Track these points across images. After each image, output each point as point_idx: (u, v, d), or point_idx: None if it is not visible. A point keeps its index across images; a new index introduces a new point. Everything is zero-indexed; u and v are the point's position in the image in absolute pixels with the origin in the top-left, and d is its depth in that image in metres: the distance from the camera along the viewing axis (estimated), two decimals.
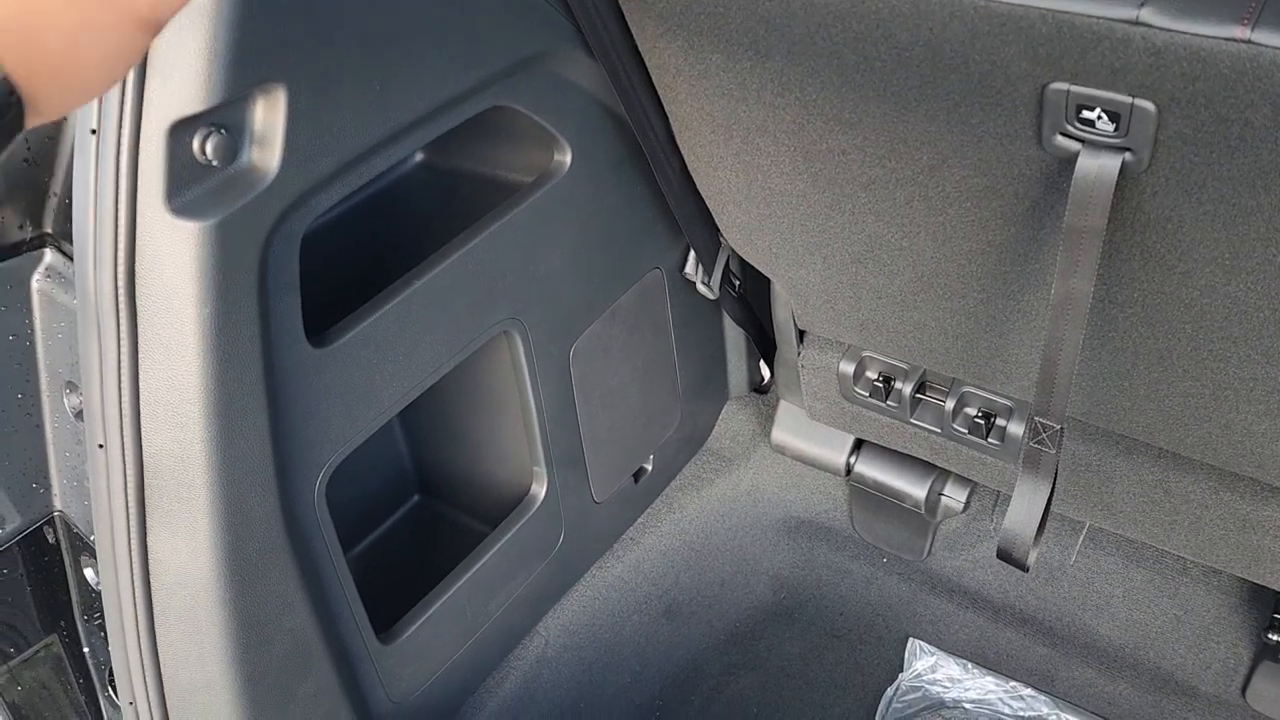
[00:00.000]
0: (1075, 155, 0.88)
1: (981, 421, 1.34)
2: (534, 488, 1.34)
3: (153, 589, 0.92)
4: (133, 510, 0.88)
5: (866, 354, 1.41)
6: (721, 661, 1.69)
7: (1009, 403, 1.32)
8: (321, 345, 0.97)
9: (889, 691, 1.64)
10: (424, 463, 1.49)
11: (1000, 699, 1.60)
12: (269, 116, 0.84)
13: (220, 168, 0.83)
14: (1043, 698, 1.57)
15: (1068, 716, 1.56)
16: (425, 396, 1.40)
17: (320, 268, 1.02)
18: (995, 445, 1.35)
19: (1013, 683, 1.59)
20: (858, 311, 1.29)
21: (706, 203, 1.29)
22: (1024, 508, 1.09)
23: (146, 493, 0.88)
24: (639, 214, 1.35)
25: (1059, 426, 1.03)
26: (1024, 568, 1.12)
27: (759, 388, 1.74)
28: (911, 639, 1.66)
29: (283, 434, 0.95)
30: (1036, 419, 1.03)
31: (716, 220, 1.31)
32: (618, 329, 1.37)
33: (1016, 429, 1.32)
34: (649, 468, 1.56)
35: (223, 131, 0.82)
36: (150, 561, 0.90)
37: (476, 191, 1.23)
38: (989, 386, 1.30)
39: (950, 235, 1.06)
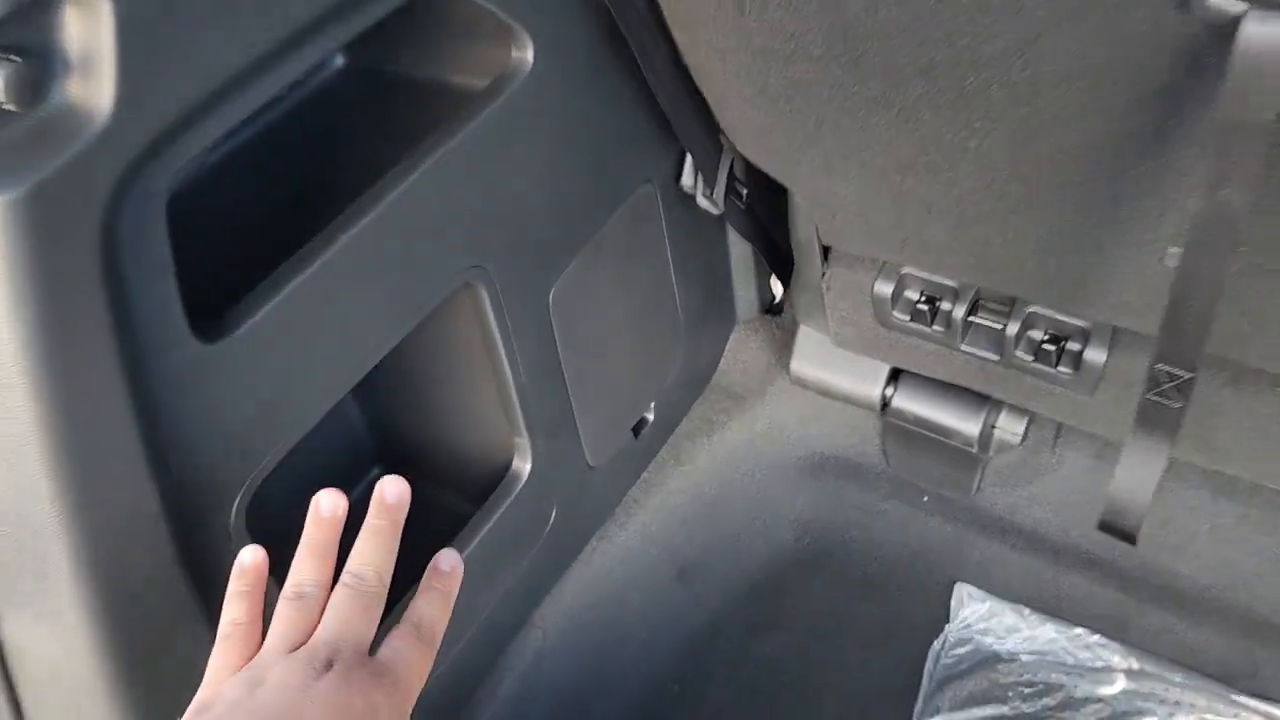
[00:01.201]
0: (1237, 20, 0.62)
1: (1051, 348, 1.11)
2: (516, 462, 1.11)
3: (18, 694, 0.69)
4: None
5: (908, 270, 1.17)
6: (742, 622, 1.49)
7: (1085, 324, 1.09)
8: (215, 338, 0.72)
9: (935, 645, 1.45)
10: (383, 430, 1.25)
11: (1065, 648, 1.41)
12: (89, 30, 0.57)
13: (23, 112, 0.56)
14: (1114, 645, 1.38)
15: (1144, 665, 1.37)
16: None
17: (209, 233, 0.76)
18: (1067, 374, 1.12)
19: (1078, 630, 1.40)
20: (901, 228, 1.04)
21: (706, 98, 1.02)
22: (1137, 472, 0.86)
23: None
24: (622, 117, 1.08)
25: (1189, 374, 0.79)
26: (1133, 540, 0.90)
27: (771, 308, 1.50)
28: (958, 584, 1.46)
29: (170, 462, 0.70)
30: (1160, 367, 0.79)
31: (718, 118, 1.05)
32: (605, 261, 1.11)
33: (1097, 355, 1.08)
34: (650, 417, 1.33)
35: (18, 58, 0.55)
36: (7, 658, 0.67)
37: (416, 104, 0.96)
38: (1068, 310, 1.06)
39: (1038, 132, 0.81)
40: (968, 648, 1.47)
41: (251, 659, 0.61)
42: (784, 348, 1.47)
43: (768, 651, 1.48)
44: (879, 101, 0.86)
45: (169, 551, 0.71)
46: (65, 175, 0.57)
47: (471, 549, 1.07)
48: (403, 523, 0.66)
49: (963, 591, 1.47)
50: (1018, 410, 1.31)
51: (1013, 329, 1.12)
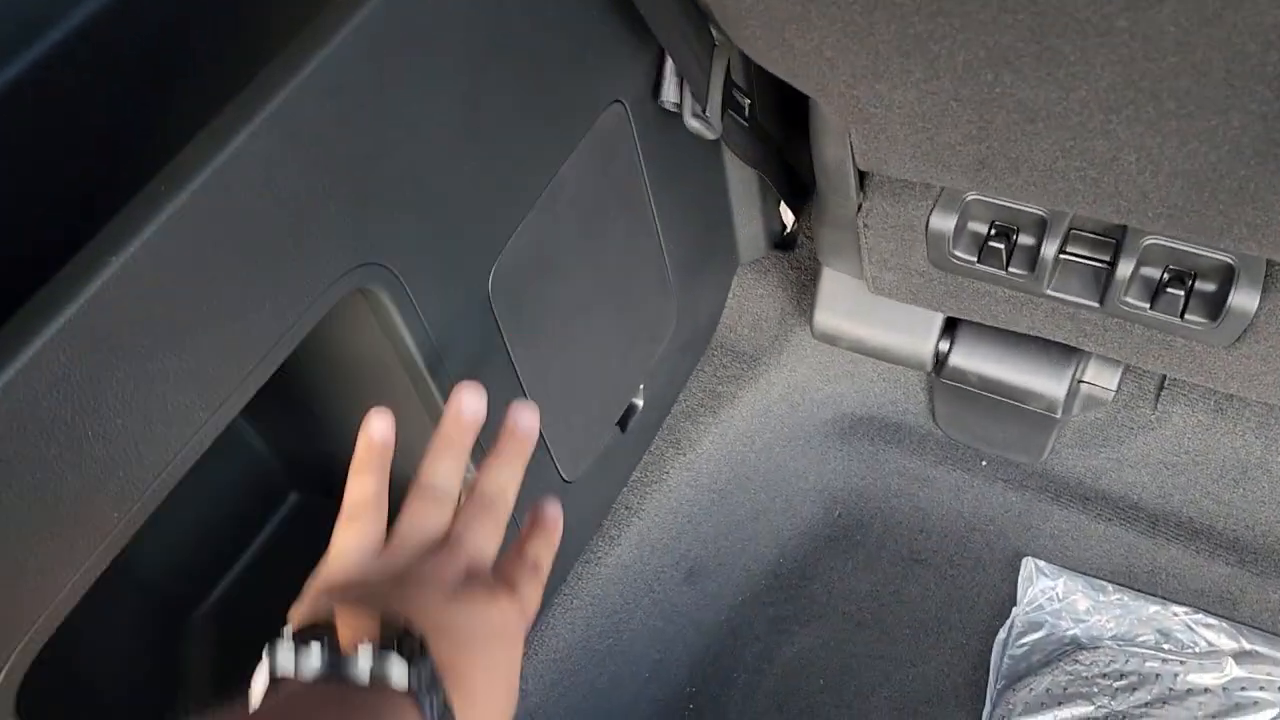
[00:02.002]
0: None
1: (1177, 291, 0.81)
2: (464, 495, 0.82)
3: None
4: None
5: (974, 197, 0.86)
6: (766, 617, 1.24)
7: (1230, 260, 0.79)
8: None
9: (1001, 633, 1.20)
10: (294, 455, 0.96)
11: (1160, 630, 1.16)
12: None
13: None
14: (1223, 625, 1.13)
15: (1258, 646, 1.12)
16: (275, 381, 0.84)
17: None
18: (1199, 323, 0.83)
19: (1176, 607, 1.14)
20: (980, 143, 0.73)
21: None
22: None
23: None
24: (574, 15, 0.75)
25: None
26: None
27: (781, 241, 1.19)
28: (1026, 558, 1.20)
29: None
30: None
31: (713, 6, 0.72)
32: (561, 219, 0.80)
33: (1247, 300, 0.79)
34: (639, 403, 1.03)
35: None
36: None
37: (250, 14, 0.62)
38: (1214, 244, 0.76)
39: (1229, 6, 0.49)
40: (1040, 633, 1.21)
41: (378, 539, 0.59)
42: (801, 291, 1.17)
43: (798, 649, 1.22)
44: None
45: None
46: None
47: None
48: (530, 452, 0.63)
49: (1032, 566, 1.21)
50: (1109, 361, 1.02)
51: (1125, 269, 0.82)
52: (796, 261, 1.17)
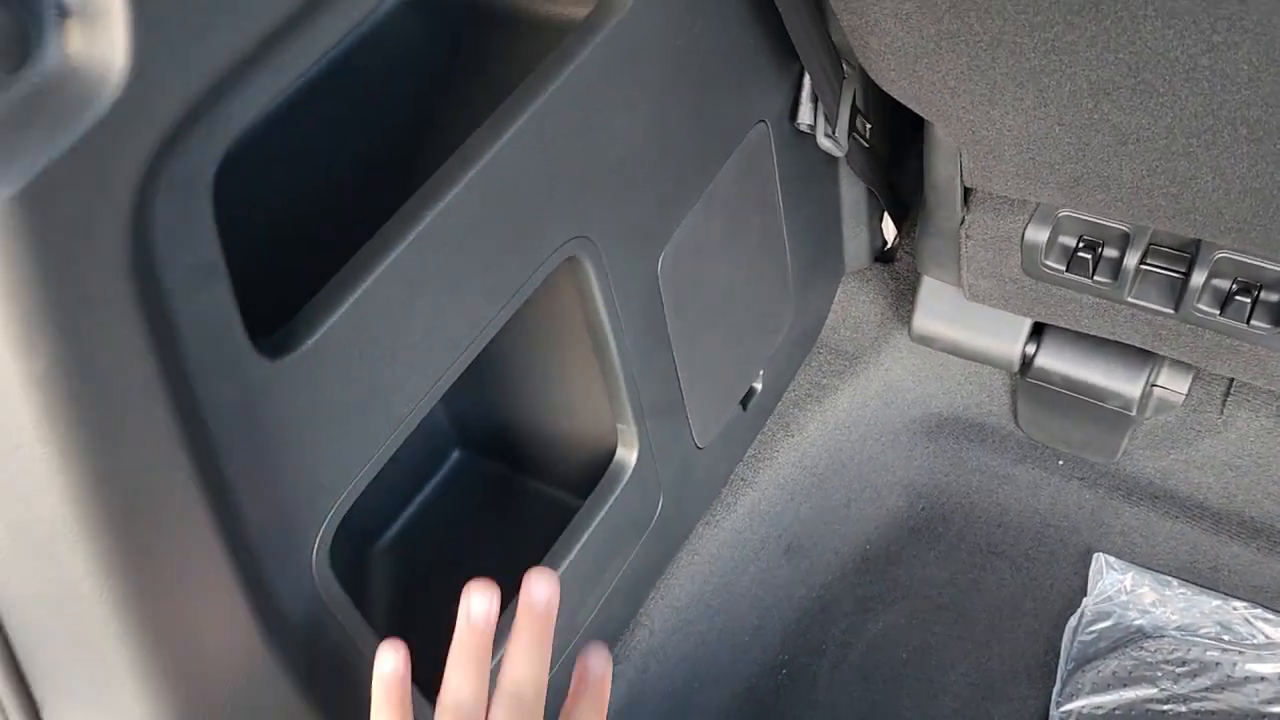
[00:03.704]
0: None
1: (1245, 299, 0.94)
2: (620, 451, 0.97)
3: None
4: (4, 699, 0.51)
5: (1066, 213, 0.99)
6: (853, 597, 1.36)
7: None
8: (282, 352, 0.57)
9: (1072, 620, 1.31)
10: (464, 412, 1.11)
11: (1221, 623, 1.26)
12: None
13: (9, 75, 0.41)
14: None
15: None
16: None
17: (254, 221, 0.60)
18: (1263, 329, 0.95)
19: (1237, 603, 1.25)
20: (1077, 163, 0.87)
21: (843, 20, 0.85)
22: None
23: (23, 665, 0.51)
24: (735, 44, 0.90)
25: None
26: None
27: (882, 255, 1.33)
28: (1097, 554, 1.31)
29: (239, 507, 0.56)
30: None
31: (854, 44, 0.87)
32: (715, 217, 0.95)
33: None
34: (758, 386, 1.17)
35: None
36: None
37: (502, 43, 0.79)
38: (1277, 255, 0.89)
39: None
40: (1108, 622, 1.32)
41: None
42: (898, 299, 1.31)
43: (882, 627, 1.34)
44: (1085, 11, 0.69)
45: (246, 617, 0.57)
46: (77, 158, 0.42)
47: (577, 550, 0.93)
48: (552, 627, 0.60)
49: (1102, 561, 1.32)
50: (1181, 366, 1.14)
51: (1198, 279, 0.95)
52: (895, 273, 1.31)
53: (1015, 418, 1.32)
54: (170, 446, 0.50)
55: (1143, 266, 0.99)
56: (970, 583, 1.35)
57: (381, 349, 0.63)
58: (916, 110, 0.92)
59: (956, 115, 0.88)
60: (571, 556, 0.93)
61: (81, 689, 0.53)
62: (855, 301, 1.30)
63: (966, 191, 1.03)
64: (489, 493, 1.13)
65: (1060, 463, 1.31)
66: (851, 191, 1.21)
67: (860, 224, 1.25)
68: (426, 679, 0.84)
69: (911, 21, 0.78)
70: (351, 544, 1.07)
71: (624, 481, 0.96)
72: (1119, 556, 1.31)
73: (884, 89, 0.91)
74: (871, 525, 1.38)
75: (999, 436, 1.34)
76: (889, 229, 1.32)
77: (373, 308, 0.61)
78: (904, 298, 1.29)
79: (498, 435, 1.10)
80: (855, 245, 1.27)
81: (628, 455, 0.96)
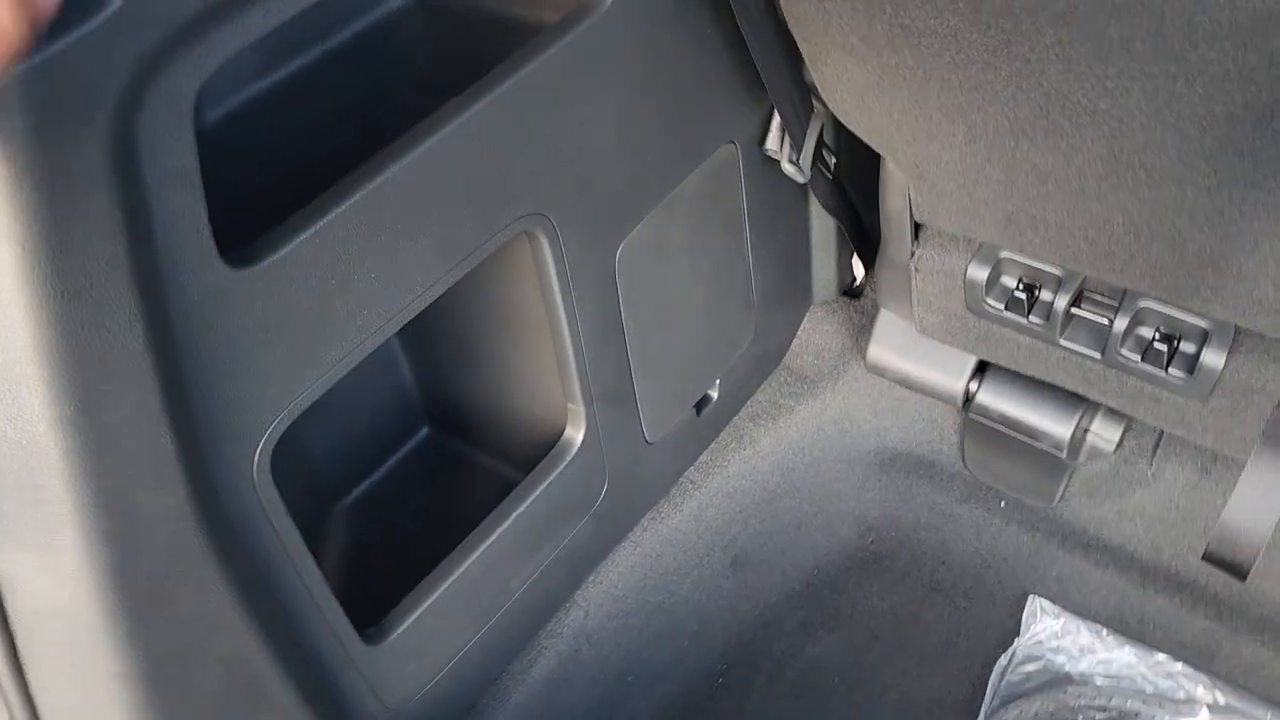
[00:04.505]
0: None
1: (1163, 347, 1.00)
2: (569, 430, 1.04)
3: (10, 623, 0.63)
4: None
5: (1006, 255, 1.07)
6: (796, 619, 1.41)
7: (1205, 324, 0.98)
8: (245, 264, 0.66)
9: (1002, 660, 1.35)
10: (433, 391, 1.19)
11: (1144, 675, 1.30)
12: None
13: None
14: (1200, 676, 1.27)
15: (1231, 700, 1.26)
16: (429, 310, 1.08)
17: (256, 160, 0.69)
18: (1179, 378, 1.01)
19: (1160, 656, 1.29)
20: (1007, 201, 0.94)
21: (801, 48, 0.93)
22: (1258, 496, 0.76)
23: None
24: (707, 68, 0.99)
25: None
26: (1242, 576, 0.80)
27: (850, 291, 1.41)
28: (1032, 596, 1.36)
29: (189, 395, 0.64)
30: None
31: (813, 74, 0.96)
32: (678, 223, 1.03)
33: (1215, 359, 0.98)
34: (714, 395, 1.24)
35: None
36: (1, 591, 0.61)
37: (485, 38, 0.88)
38: (1188, 305, 0.96)
39: (1182, 95, 0.71)
40: (1037, 665, 1.36)
41: None
42: (861, 333, 1.38)
43: (820, 651, 1.39)
44: (1000, 53, 0.77)
45: (180, 490, 0.65)
46: (76, 55, 0.51)
47: (514, 518, 1.00)
48: None
49: (1036, 605, 1.37)
50: (1114, 415, 1.20)
51: (1121, 324, 1.02)
52: (860, 308, 1.39)
53: (963, 458, 1.37)
54: (133, 322, 0.58)
55: (1074, 311, 1.06)
56: (910, 616, 1.40)
57: (337, 278, 0.71)
58: (869, 142, 1.00)
59: (902, 148, 0.96)
60: (509, 522, 1.00)
61: (31, 533, 0.60)
62: (820, 330, 1.37)
63: (917, 227, 1.11)
64: (448, 468, 1.20)
65: (1002, 504, 1.37)
66: (821, 225, 1.29)
67: (829, 258, 1.33)
68: (368, 625, 0.91)
69: (858, 53, 0.87)
70: (315, 499, 1.15)
71: (568, 458, 1.03)
72: (1053, 601, 1.35)
73: (842, 120, 0.99)
74: (821, 552, 1.43)
75: (947, 475, 1.40)
76: (858, 267, 1.39)
77: (332, 239, 0.69)
78: (866, 331, 1.36)
79: (461, 415, 1.18)
80: (823, 277, 1.35)
81: (574, 434, 1.04)
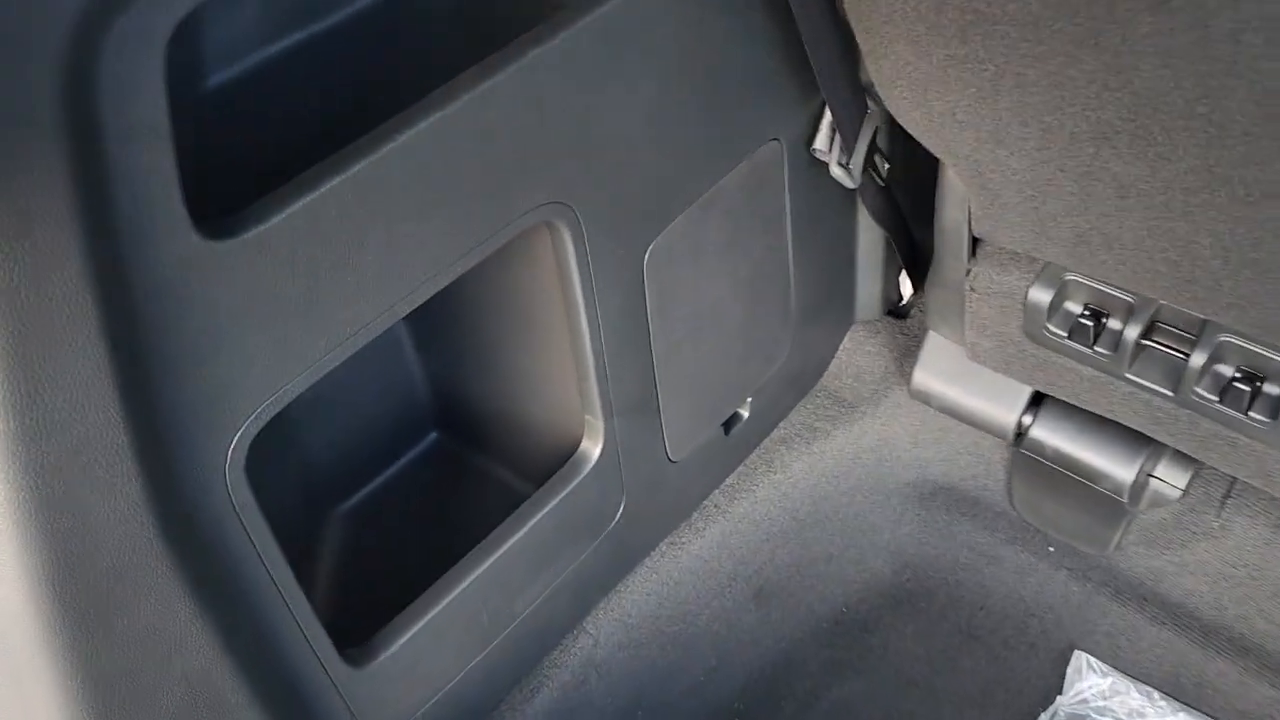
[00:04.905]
0: None
1: (1244, 387, 0.91)
2: (585, 443, 0.96)
3: None
4: None
5: (1072, 277, 0.97)
6: (822, 657, 1.32)
7: None
8: (225, 235, 0.58)
9: (1042, 717, 1.25)
10: (444, 393, 1.12)
11: None
12: None
13: None
14: None
15: None
16: (442, 306, 1.01)
17: (255, 130, 0.62)
18: (1262, 422, 0.91)
19: None
20: (1080, 215, 0.85)
21: (859, 39, 0.85)
22: None
23: None
24: (754, 57, 0.91)
25: None
26: None
27: (896, 310, 1.32)
28: (1078, 651, 1.26)
29: (149, 382, 0.57)
30: None
31: (870, 69, 0.88)
32: (714, 225, 0.95)
33: None
34: (744, 414, 1.16)
35: None
36: None
37: (512, 7, 0.81)
38: (1277, 341, 0.86)
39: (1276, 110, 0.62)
40: None
41: None
42: (906, 356, 1.29)
43: (847, 693, 1.30)
44: (1086, 44, 0.68)
45: (136, 487, 0.57)
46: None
47: (521, 534, 0.92)
48: None
49: (1082, 660, 1.26)
50: (1182, 459, 1.10)
51: (1198, 360, 0.92)
52: (906, 329, 1.30)
53: (1010, 496, 1.28)
54: (78, 284, 0.50)
55: (1144, 342, 0.97)
56: (945, 663, 1.30)
57: (331, 259, 0.64)
58: (927, 146, 0.91)
59: (964, 154, 0.88)
60: (515, 538, 0.92)
61: None
62: (862, 350, 1.29)
63: (975, 242, 1.02)
64: (456, 476, 1.13)
65: (1050, 550, 1.27)
66: (868, 238, 1.20)
67: (875, 273, 1.24)
68: (359, 634, 0.84)
69: (922, 44, 0.78)
70: (310, 502, 1.08)
71: (583, 473, 0.95)
72: (1101, 658, 1.25)
73: (899, 120, 0.91)
74: (851, 588, 1.34)
75: (992, 514, 1.30)
76: (906, 285, 1.31)
77: (327, 214, 0.62)
78: (911, 354, 1.27)
79: (473, 420, 1.11)
80: (868, 294, 1.26)
81: (591, 448, 0.96)
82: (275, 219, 0.59)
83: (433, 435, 1.16)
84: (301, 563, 1.03)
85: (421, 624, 0.86)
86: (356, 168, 0.62)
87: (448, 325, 0.99)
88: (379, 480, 1.14)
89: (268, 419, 0.66)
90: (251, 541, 0.67)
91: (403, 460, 1.15)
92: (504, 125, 0.70)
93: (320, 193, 0.61)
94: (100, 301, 0.51)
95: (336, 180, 0.62)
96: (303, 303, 0.64)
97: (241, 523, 0.66)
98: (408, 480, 1.15)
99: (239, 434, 0.64)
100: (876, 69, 0.87)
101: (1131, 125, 0.72)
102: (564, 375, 0.94)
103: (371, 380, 1.09)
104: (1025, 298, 1.00)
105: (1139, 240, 0.83)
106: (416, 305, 0.71)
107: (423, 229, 0.69)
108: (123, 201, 0.52)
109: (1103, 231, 0.85)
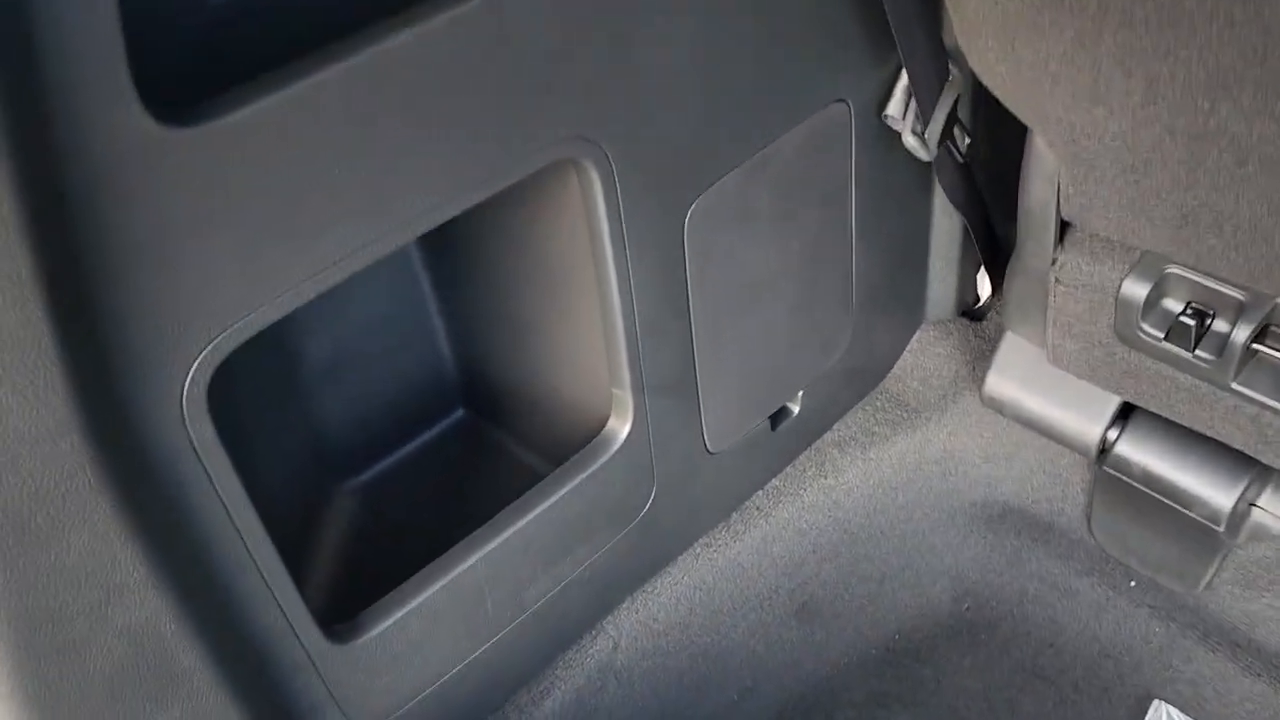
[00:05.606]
0: None
1: None
2: (613, 421, 0.87)
3: None
4: None
5: (1174, 270, 0.86)
6: (868, 687, 1.20)
7: None
8: (183, 121, 0.51)
9: None
10: (472, 368, 1.04)
11: None
12: None
13: None
14: None
15: None
16: (468, 265, 0.93)
17: (263, 42, 0.55)
18: None
19: None
20: (1187, 191, 0.74)
21: None
22: None
23: None
24: (823, 2, 0.82)
25: None
26: None
27: (971, 311, 1.20)
28: (1158, 701, 1.13)
29: (81, 281, 0.50)
30: None
31: (953, 15, 0.78)
32: (767, 189, 0.86)
33: None
34: (795, 409, 1.06)
35: None
36: None
37: None
38: None
39: None
40: None
41: None
42: (979, 360, 1.18)
43: None
44: None
45: (61, 400, 0.50)
46: None
47: (533, 516, 0.83)
48: None
49: (1162, 711, 1.13)
50: None
51: None
52: (981, 332, 1.18)
53: (1089, 522, 1.15)
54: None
55: (1256, 347, 0.85)
56: (1005, 701, 1.18)
57: (311, 166, 0.56)
58: (1014, 109, 0.81)
59: (1055, 115, 0.77)
60: (528, 519, 0.83)
61: None
62: (930, 352, 1.18)
63: (1063, 227, 0.91)
64: (480, 456, 1.05)
65: (1132, 584, 1.14)
66: (944, 226, 1.10)
67: (950, 268, 1.14)
68: (358, 616, 0.76)
69: None
70: (321, 472, 1.01)
71: (608, 454, 0.87)
72: (1183, 709, 1.12)
73: (983, 79, 0.81)
74: (905, 613, 1.23)
75: (1067, 541, 1.18)
76: (984, 285, 1.19)
77: (308, 112, 0.54)
78: (985, 359, 1.16)
79: (499, 396, 1.03)
80: (941, 290, 1.15)
81: (619, 427, 0.87)
82: (245, 109, 0.52)
83: (459, 412, 1.08)
84: (303, 531, 0.96)
85: (415, 604, 0.78)
86: (347, 62, 0.55)
87: (473, 287, 0.91)
88: (398, 455, 1.06)
89: (234, 345, 0.58)
90: (213, 486, 0.60)
91: (425, 436, 1.08)
92: (524, 37, 0.62)
93: (301, 85, 0.53)
94: (15, 177, 0.44)
95: (322, 74, 0.54)
96: (277, 214, 0.56)
97: (201, 463, 0.59)
98: (429, 457, 1.07)
99: (198, 360, 0.56)
100: (960, 17, 0.77)
101: (1258, 71, 0.62)
102: (594, 345, 0.85)
103: (396, 350, 1.02)
104: (1118, 292, 0.89)
105: (1257, 219, 0.72)
106: (415, 235, 0.64)
107: (424, 145, 0.61)
108: (48, 66, 0.45)
109: (1214, 209, 0.74)
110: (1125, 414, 1.02)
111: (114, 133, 0.48)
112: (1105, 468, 1.05)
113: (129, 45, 0.47)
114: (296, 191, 0.56)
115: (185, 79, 0.53)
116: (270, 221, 0.56)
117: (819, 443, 1.13)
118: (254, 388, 0.83)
